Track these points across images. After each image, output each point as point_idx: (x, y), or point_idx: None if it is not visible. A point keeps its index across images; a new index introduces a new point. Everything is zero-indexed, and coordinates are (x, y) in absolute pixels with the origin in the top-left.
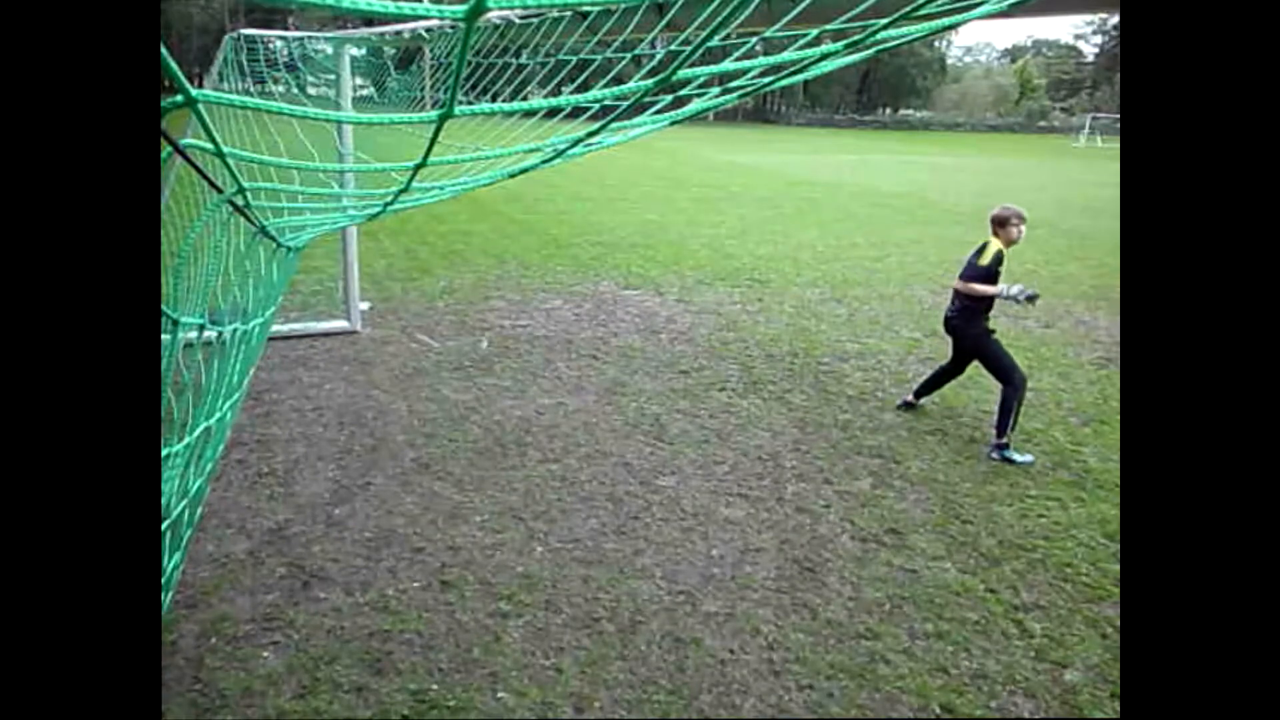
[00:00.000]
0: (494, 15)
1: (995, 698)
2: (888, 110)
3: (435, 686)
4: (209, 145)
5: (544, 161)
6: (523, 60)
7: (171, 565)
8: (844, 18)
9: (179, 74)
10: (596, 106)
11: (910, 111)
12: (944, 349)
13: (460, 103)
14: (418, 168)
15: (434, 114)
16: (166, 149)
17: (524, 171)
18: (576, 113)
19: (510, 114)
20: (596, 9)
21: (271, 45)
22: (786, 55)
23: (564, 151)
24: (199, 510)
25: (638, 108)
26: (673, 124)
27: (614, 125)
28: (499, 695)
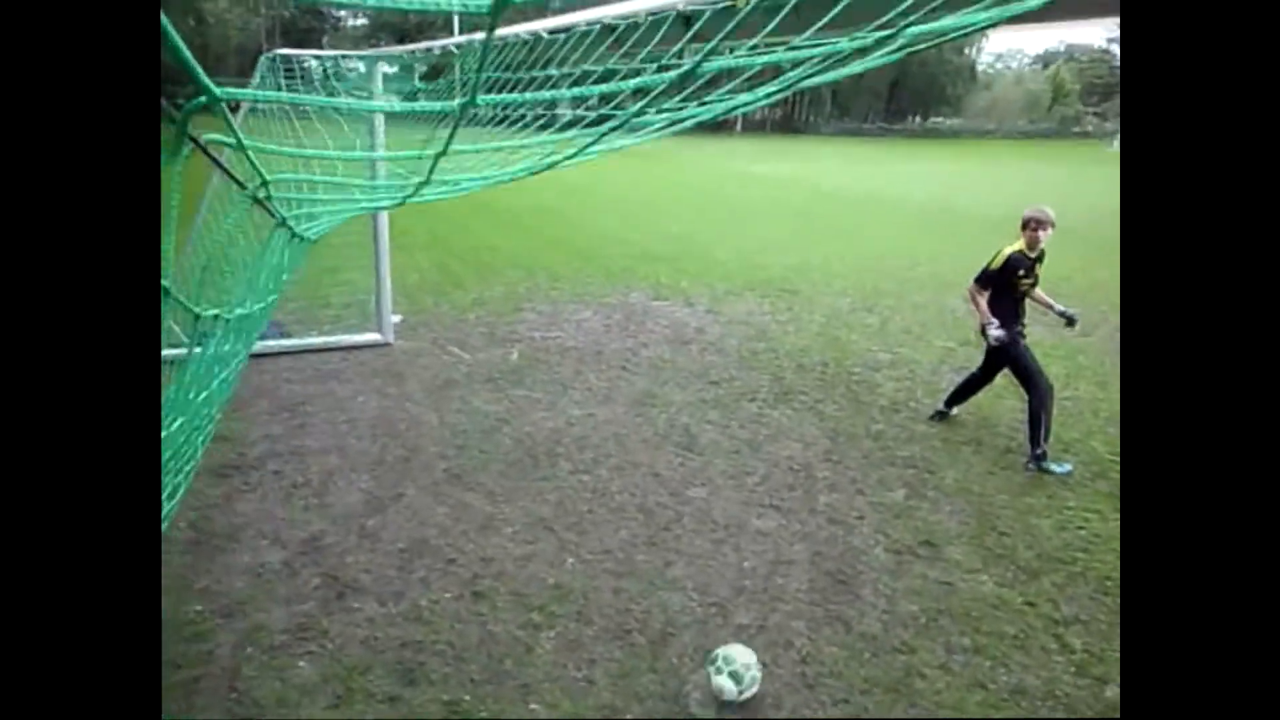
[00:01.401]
0: (522, 30)
1: (1035, 714)
2: (917, 118)
3: (467, 697)
4: (231, 141)
5: (567, 158)
6: (550, 72)
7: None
8: (871, 25)
9: (201, 74)
10: (619, 96)
11: (940, 119)
12: (978, 358)
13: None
14: (439, 156)
15: (455, 104)
16: (189, 146)
17: (549, 168)
18: (600, 120)
19: (534, 105)
20: (623, 23)
21: (306, 64)
22: (816, 50)
23: (587, 147)
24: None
25: (657, 102)
26: (698, 124)
27: (636, 122)
28: (531, 706)
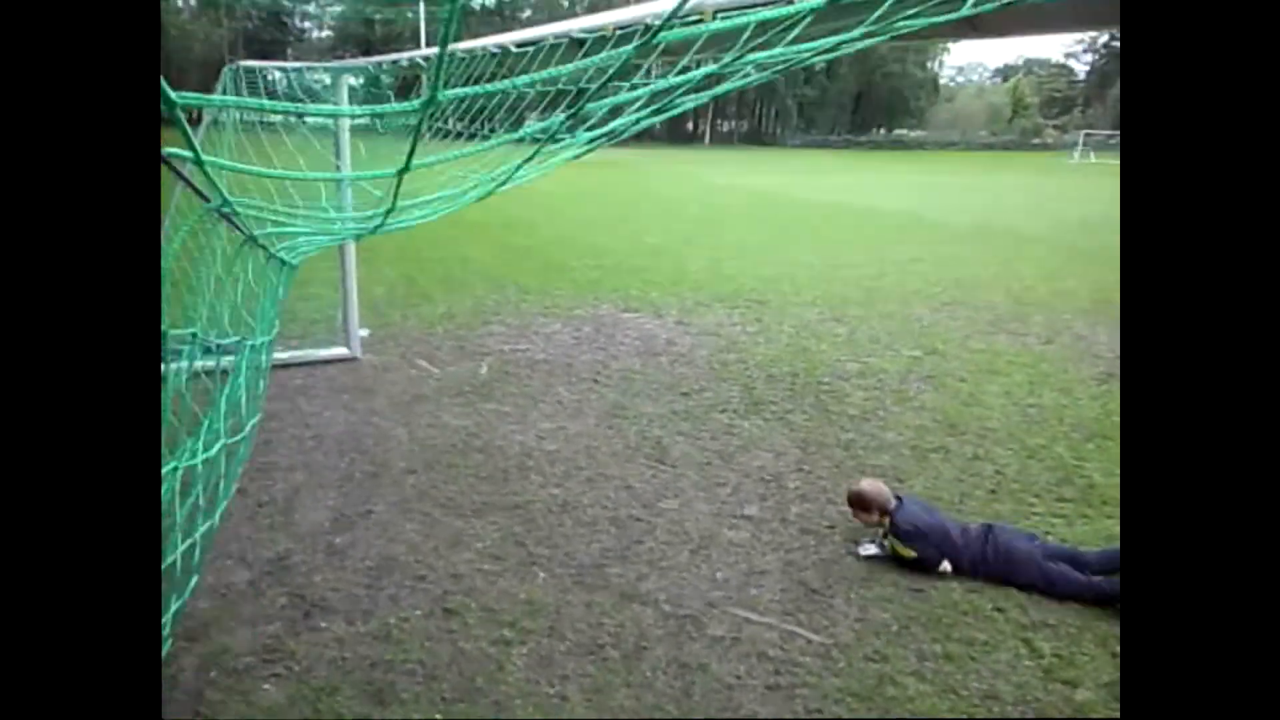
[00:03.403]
0: (489, 43)
1: (1006, 717)
2: (882, 130)
3: (439, 716)
4: (189, 154)
5: (526, 161)
6: (515, 82)
7: (190, 587)
8: (823, 39)
9: (164, 85)
10: (582, 107)
11: (904, 131)
12: (945, 366)
13: (440, 128)
14: (401, 172)
15: (417, 102)
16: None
17: (514, 172)
18: (569, 124)
19: (501, 116)
20: (592, 36)
21: (270, 76)
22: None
23: (550, 152)
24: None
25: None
26: (666, 136)
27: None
28: None
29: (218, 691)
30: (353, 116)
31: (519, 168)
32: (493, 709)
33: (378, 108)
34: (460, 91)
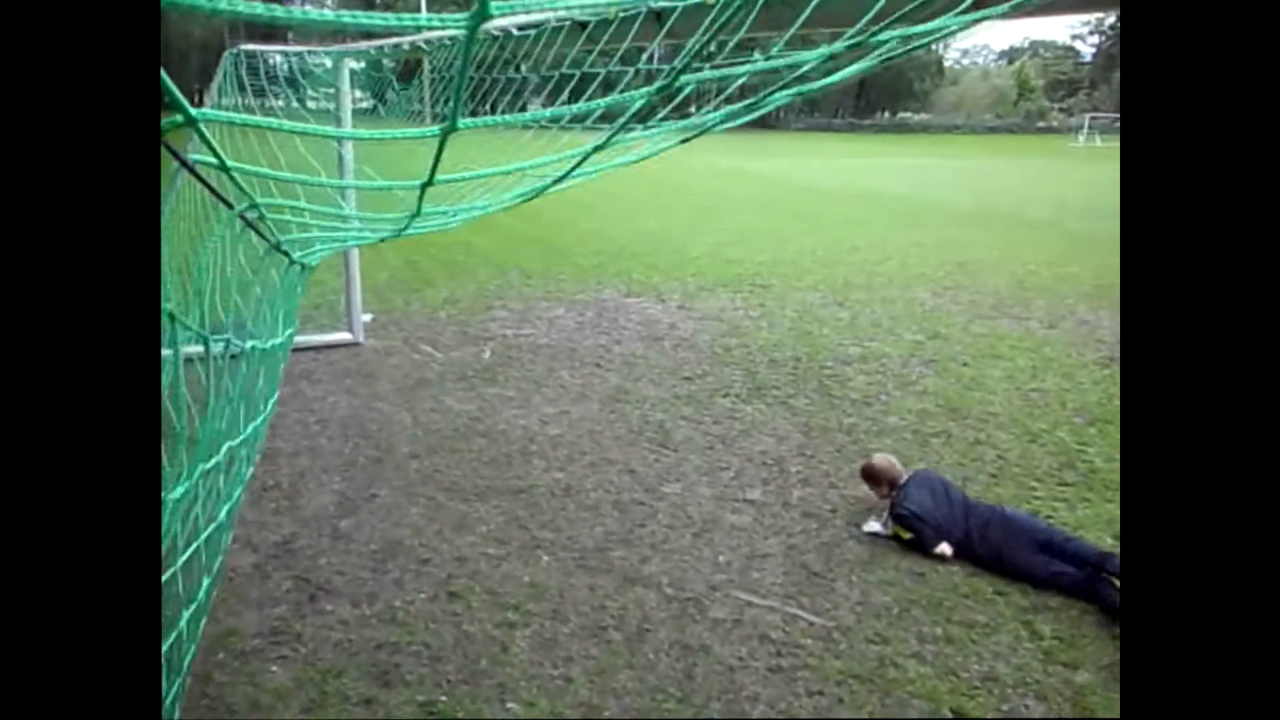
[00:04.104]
0: (492, 25)
1: (1006, 700)
2: (886, 113)
3: (444, 698)
4: (214, 160)
5: (555, 182)
6: (522, 73)
7: (204, 589)
8: (853, 29)
9: (177, 93)
10: (599, 111)
11: (908, 114)
12: (947, 350)
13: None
14: (425, 186)
15: (436, 128)
16: (173, 164)
17: (538, 194)
18: (578, 120)
19: (514, 126)
20: (595, 19)
21: (271, 60)
22: (791, 59)
23: (576, 167)
24: (228, 534)
25: (644, 116)
26: (684, 142)
27: (626, 139)
28: (508, 705)
29: (224, 673)
30: (372, 140)
31: (589, 153)
32: (497, 691)
33: (394, 132)
34: (479, 121)
